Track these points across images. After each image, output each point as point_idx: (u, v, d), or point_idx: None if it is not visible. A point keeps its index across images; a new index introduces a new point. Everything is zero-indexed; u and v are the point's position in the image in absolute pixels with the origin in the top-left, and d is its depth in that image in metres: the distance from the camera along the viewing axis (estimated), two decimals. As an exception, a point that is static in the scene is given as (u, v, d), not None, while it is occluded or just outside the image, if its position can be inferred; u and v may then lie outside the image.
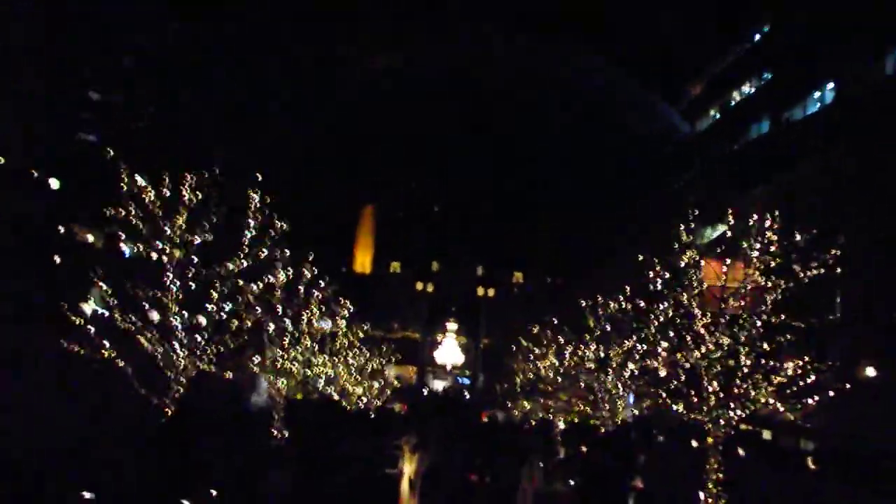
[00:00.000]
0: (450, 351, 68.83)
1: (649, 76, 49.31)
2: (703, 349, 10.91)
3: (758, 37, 44.23)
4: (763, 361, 10.61)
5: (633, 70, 50.57)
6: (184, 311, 10.95)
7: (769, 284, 10.74)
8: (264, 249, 11.89)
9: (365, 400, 33.83)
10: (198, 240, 11.11)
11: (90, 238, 31.32)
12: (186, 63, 38.65)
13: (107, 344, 10.51)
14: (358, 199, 77.62)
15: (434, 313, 74.23)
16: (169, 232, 10.75)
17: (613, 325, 18.01)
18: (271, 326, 17.94)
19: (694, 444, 15.56)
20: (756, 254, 10.81)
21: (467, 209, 78.63)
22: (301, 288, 18.24)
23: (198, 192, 10.91)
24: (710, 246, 16.12)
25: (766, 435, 26.12)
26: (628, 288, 17.84)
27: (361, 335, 27.66)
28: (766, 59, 42.60)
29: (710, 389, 10.69)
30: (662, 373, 17.21)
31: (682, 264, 11.68)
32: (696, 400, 10.98)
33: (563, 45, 55.25)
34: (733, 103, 47.18)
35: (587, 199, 49.33)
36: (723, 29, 47.13)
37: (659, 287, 12.24)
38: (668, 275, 12.13)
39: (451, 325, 70.00)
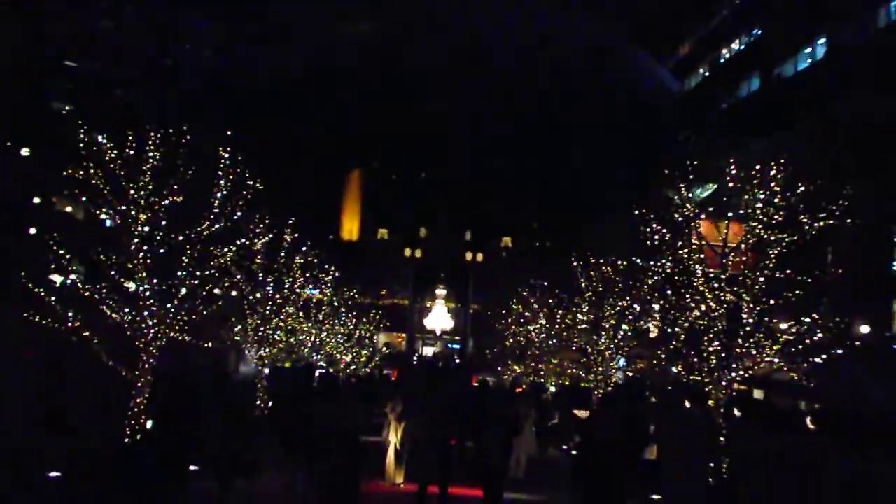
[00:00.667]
0: (439, 317, 68.36)
1: (638, 33, 48.22)
2: (703, 307, 10.36)
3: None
4: (766, 320, 10.08)
5: (621, 27, 49.48)
6: (153, 278, 10.26)
7: (772, 238, 10.17)
8: (237, 211, 11.13)
9: (353, 367, 33.52)
10: (165, 202, 10.38)
11: (69, 209, 30.42)
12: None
13: (71, 315, 9.80)
14: (344, 164, 76.60)
15: (422, 279, 73.65)
16: (133, 193, 10.01)
17: (606, 286, 17.48)
18: (254, 294, 17.33)
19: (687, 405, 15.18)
20: (759, 205, 10.20)
21: (454, 173, 77.72)
22: (282, 253, 17.57)
23: (163, 150, 10.14)
24: (706, 203, 15.62)
25: (757, 394, 25.93)
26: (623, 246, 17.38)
27: (348, 302, 27.16)
28: (757, 14, 41.73)
29: (711, 349, 10.17)
30: (655, 333, 16.77)
31: (680, 219, 11.07)
32: (695, 361, 10.47)
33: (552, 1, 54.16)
34: (723, 60, 46.43)
35: (578, 158, 48.51)
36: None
37: (656, 244, 11.62)
38: (665, 231, 11.51)
39: (440, 291, 69.45)
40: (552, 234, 49.51)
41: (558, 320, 20.85)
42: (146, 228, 10.01)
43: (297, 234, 17.55)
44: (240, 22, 47.94)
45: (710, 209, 12.49)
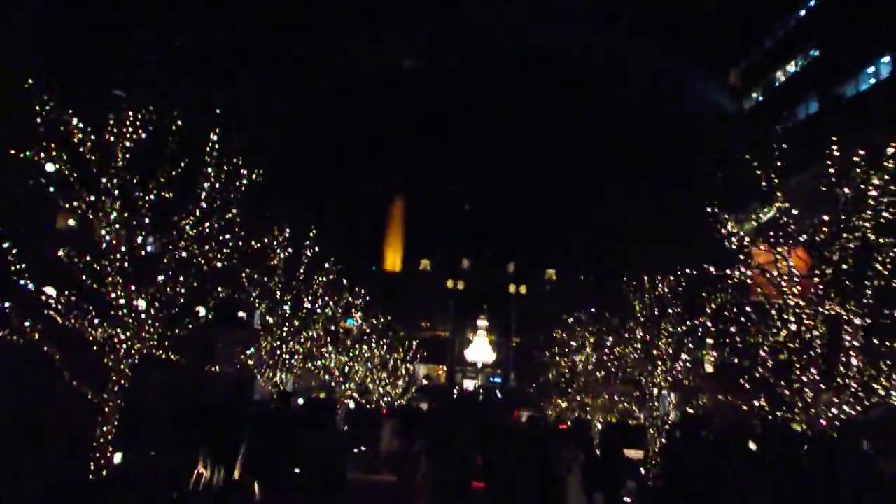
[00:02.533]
0: (480, 349, 66.30)
1: (694, 54, 46.19)
2: (794, 327, 8.32)
3: (804, 12, 41.30)
4: (876, 342, 8.00)
5: (678, 48, 47.43)
6: (129, 284, 8.67)
7: (882, 242, 8.14)
8: (232, 207, 9.50)
9: (388, 399, 31.64)
10: (149, 195, 8.83)
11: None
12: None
13: (28, 327, 8.23)
14: (388, 192, 75.89)
15: (464, 311, 71.93)
16: (105, 181, 8.46)
17: (663, 309, 15.39)
18: (268, 316, 15.73)
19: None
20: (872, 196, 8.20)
21: (500, 202, 76.41)
22: (301, 270, 15.98)
23: (142, 132, 8.59)
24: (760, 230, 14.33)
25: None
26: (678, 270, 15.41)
27: (380, 327, 25.40)
28: (815, 33, 39.59)
29: (806, 379, 8.10)
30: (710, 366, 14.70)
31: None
32: (786, 392, 8.40)
33: (605, 24, 52.44)
34: (779, 82, 44.21)
35: (629, 183, 46.28)
36: (769, 4, 44.01)
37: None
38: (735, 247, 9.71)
39: (482, 322, 67.45)
40: (599, 262, 47.22)
41: (607, 349, 18.73)
42: (118, 226, 8.44)
43: (317, 248, 15.93)
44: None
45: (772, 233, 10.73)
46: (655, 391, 15.33)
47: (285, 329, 15.72)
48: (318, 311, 16.51)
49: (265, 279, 15.50)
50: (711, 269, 12.48)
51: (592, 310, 22.13)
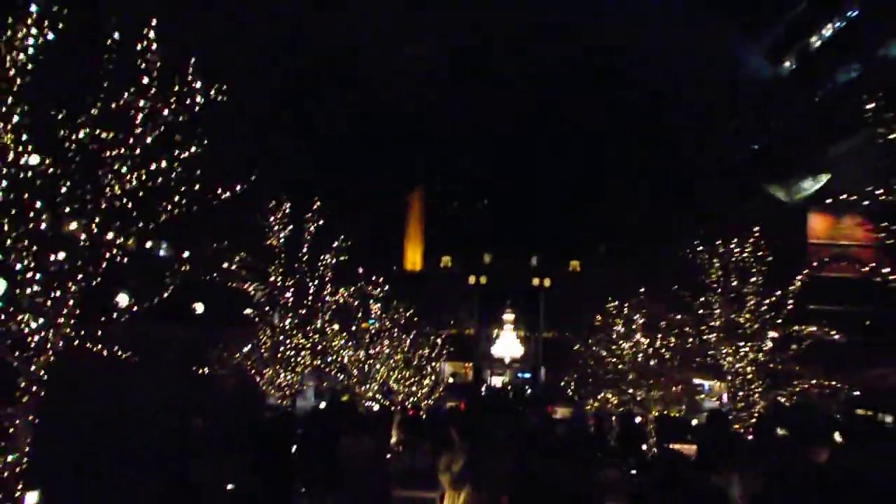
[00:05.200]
0: (508, 343, 63.64)
1: (727, 12, 43.01)
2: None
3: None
4: None
5: (710, 4, 44.27)
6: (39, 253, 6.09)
7: None
8: (193, 145, 6.88)
9: (413, 400, 29.16)
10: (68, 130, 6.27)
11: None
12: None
13: None
14: (406, 185, 74.01)
15: (488, 306, 69.72)
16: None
17: (745, 277, 12.60)
18: (267, 307, 13.19)
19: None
20: None
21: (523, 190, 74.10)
22: (304, 250, 13.37)
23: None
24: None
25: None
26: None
27: (401, 321, 22.83)
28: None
29: None
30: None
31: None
32: None
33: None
34: (820, 42, 41.11)
35: (689, 147, 42.99)
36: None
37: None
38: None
39: (508, 316, 64.84)
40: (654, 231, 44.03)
41: (673, 331, 15.89)
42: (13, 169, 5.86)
43: (321, 222, 13.31)
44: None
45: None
46: (738, 379, 12.55)
47: (288, 321, 13.17)
48: (328, 297, 13.84)
49: (263, 264, 13.01)
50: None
51: (642, 290, 19.37)
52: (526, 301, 68.65)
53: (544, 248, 72.94)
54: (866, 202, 8.49)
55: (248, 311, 13.64)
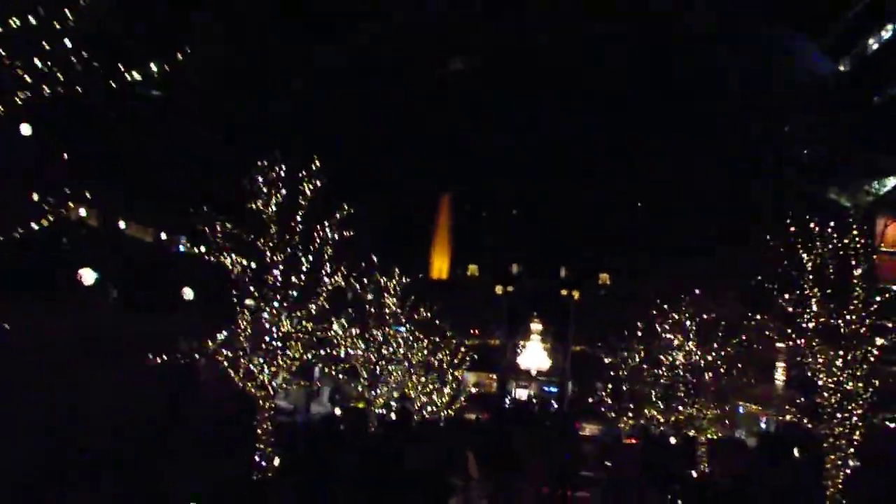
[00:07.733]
0: (534, 355, 61.44)
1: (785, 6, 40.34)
2: None
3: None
4: None
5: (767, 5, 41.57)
6: None
7: None
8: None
9: (432, 409, 26.79)
10: None
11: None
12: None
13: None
14: (433, 193, 72.58)
15: (515, 316, 67.64)
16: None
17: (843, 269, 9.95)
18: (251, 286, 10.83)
19: None
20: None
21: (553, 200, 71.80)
22: (299, 218, 10.97)
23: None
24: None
25: None
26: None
27: (416, 316, 20.42)
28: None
29: None
30: None
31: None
32: None
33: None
34: (881, 42, 38.33)
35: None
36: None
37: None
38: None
39: (536, 325, 62.63)
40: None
41: (741, 338, 13.22)
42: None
43: (318, 182, 10.90)
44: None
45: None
46: (833, 398, 9.87)
47: (276, 303, 10.81)
48: (325, 277, 11.37)
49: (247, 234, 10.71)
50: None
51: (696, 290, 16.77)
52: (554, 313, 66.59)
53: (574, 259, 70.76)
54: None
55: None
